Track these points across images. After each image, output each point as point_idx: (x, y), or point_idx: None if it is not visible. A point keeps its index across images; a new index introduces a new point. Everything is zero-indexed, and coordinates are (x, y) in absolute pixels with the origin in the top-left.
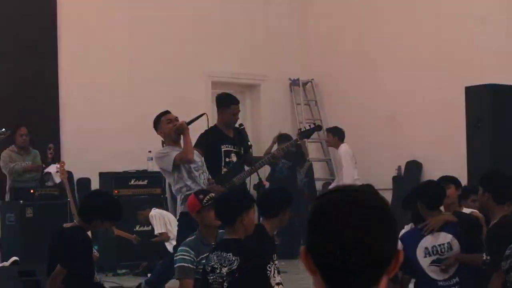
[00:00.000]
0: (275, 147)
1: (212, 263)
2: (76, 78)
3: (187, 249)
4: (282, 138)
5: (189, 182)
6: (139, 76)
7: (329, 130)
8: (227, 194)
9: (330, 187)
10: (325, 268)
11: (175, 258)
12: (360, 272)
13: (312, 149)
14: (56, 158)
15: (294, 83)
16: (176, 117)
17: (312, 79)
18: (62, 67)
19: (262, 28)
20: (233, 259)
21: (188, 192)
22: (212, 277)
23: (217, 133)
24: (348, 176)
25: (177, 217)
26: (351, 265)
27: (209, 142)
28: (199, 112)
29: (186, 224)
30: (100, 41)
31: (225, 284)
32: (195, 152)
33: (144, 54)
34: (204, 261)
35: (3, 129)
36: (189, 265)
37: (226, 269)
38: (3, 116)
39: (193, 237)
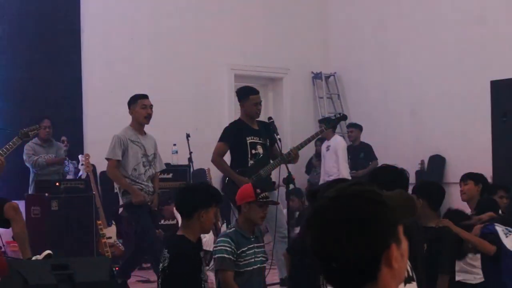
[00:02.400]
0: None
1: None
2: (99, 72)
3: (229, 240)
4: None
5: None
6: (162, 69)
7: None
8: (193, 185)
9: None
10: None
11: (214, 249)
12: (336, 279)
13: None
14: (80, 151)
15: (316, 76)
16: (151, 105)
17: (335, 72)
18: (85, 60)
19: (284, 22)
20: (166, 255)
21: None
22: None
23: (241, 126)
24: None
25: (119, 210)
26: (327, 273)
27: (234, 135)
28: (222, 105)
29: (132, 215)
30: (123, 35)
31: (159, 280)
32: (149, 144)
33: (167, 47)
34: (243, 254)
35: (36, 125)
36: (230, 256)
37: (161, 265)
38: (27, 110)
39: (232, 229)
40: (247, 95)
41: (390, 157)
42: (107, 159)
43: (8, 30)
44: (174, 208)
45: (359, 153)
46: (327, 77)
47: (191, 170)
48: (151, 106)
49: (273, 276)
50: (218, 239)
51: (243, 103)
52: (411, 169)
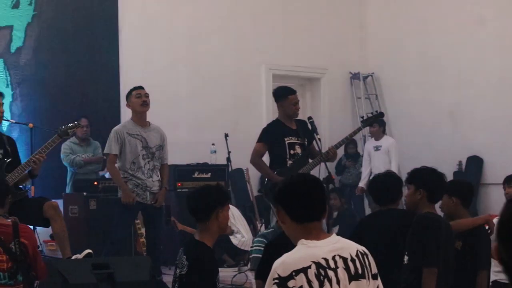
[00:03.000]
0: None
1: (177, 260)
2: (137, 71)
3: (264, 240)
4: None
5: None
6: (200, 69)
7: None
8: (202, 187)
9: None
10: None
11: (251, 249)
12: None
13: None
14: None
15: (354, 76)
16: (146, 94)
17: (373, 72)
18: (122, 59)
19: (323, 22)
20: (185, 263)
21: (123, 179)
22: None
23: (279, 126)
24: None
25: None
26: None
27: (273, 136)
28: (260, 105)
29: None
30: (161, 34)
31: (176, 286)
32: (153, 136)
33: (205, 48)
34: None
35: (75, 122)
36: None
37: (179, 270)
38: (65, 109)
39: (270, 229)
40: (285, 95)
41: (428, 157)
42: (104, 154)
43: (46, 29)
44: None
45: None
46: (365, 77)
47: (229, 169)
48: (146, 94)
49: None
50: (255, 239)
51: (282, 103)
52: (449, 169)
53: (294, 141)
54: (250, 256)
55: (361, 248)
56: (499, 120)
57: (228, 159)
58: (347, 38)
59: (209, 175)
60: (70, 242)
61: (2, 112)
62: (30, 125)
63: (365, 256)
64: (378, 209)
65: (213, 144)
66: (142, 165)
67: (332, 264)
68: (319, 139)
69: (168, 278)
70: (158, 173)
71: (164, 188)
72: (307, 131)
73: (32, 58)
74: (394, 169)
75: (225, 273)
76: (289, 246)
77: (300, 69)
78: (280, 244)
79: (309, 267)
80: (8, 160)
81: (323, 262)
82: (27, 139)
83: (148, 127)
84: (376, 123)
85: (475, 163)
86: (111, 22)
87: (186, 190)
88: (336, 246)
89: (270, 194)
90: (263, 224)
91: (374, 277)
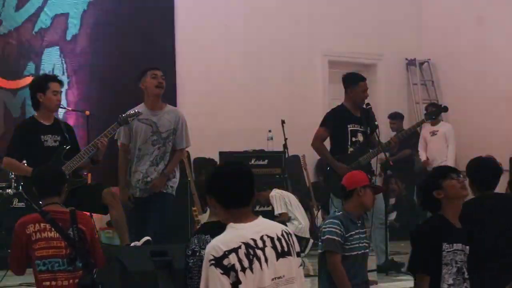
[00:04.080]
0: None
1: (193, 246)
2: (192, 60)
3: (338, 222)
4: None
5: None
6: (255, 56)
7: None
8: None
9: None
10: None
11: (323, 230)
12: None
13: None
14: None
15: (410, 63)
16: (163, 76)
17: (429, 59)
18: (178, 48)
19: (378, 7)
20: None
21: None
22: (192, 261)
23: (344, 113)
24: None
25: None
26: None
27: (336, 122)
28: (316, 92)
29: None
30: (216, 22)
31: None
32: (166, 119)
33: (260, 34)
34: (351, 238)
35: (136, 111)
36: (339, 239)
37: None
38: (121, 96)
39: (340, 213)
40: (356, 81)
41: (484, 144)
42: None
43: (102, 16)
44: (270, 194)
45: None
46: (421, 64)
47: (286, 156)
48: (162, 76)
49: (370, 262)
50: (327, 221)
51: (351, 89)
52: (505, 154)
53: (357, 128)
54: (323, 237)
55: (285, 228)
56: None
57: (285, 146)
58: (403, 24)
59: (266, 161)
60: (129, 229)
61: (60, 101)
62: (87, 112)
63: (289, 235)
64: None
65: (269, 130)
66: (150, 152)
67: (260, 244)
68: (377, 125)
69: None
70: (168, 159)
71: (163, 174)
72: (370, 119)
73: (88, 45)
74: (451, 154)
75: None
76: None
77: (356, 55)
78: None
79: (239, 247)
80: (67, 148)
81: (252, 243)
82: (83, 126)
83: (161, 110)
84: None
85: None
86: (167, 8)
87: None
88: (262, 227)
89: (329, 180)
90: (320, 210)
91: (298, 255)
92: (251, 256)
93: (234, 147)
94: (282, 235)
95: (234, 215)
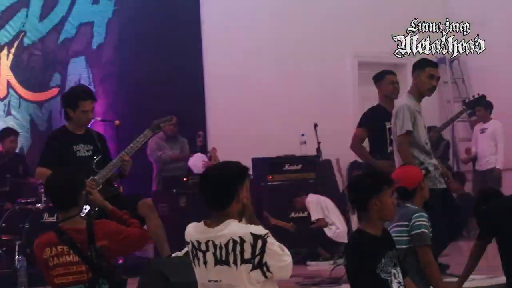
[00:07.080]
0: None
1: None
2: (221, 65)
3: (426, 216)
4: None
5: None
6: (285, 59)
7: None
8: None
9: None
10: None
11: (416, 223)
12: None
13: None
14: (203, 147)
15: (440, 61)
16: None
17: (459, 56)
18: (206, 51)
19: (408, 7)
20: None
21: None
22: None
23: (380, 112)
24: None
25: None
26: None
27: (373, 121)
28: (347, 93)
29: None
30: (244, 25)
31: None
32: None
33: (289, 36)
34: None
35: (168, 117)
36: (429, 232)
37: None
38: (149, 105)
39: (416, 207)
40: (381, 75)
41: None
42: None
43: (127, 24)
44: (306, 200)
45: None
46: (451, 61)
47: (320, 160)
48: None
49: None
50: (417, 214)
51: (379, 85)
52: None
53: None
54: (417, 231)
55: (237, 237)
56: None
57: (318, 150)
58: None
59: (299, 166)
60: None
61: (90, 119)
62: (117, 122)
63: (237, 244)
64: None
65: (302, 134)
66: None
67: (203, 247)
68: None
69: None
70: None
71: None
72: None
73: (114, 54)
74: (500, 152)
75: (321, 267)
76: None
77: (385, 55)
78: None
79: (188, 242)
80: (99, 157)
81: (196, 244)
82: (112, 136)
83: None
84: (480, 106)
85: None
86: (193, 14)
87: (278, 183)
88: (214, 234)
89: None
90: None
91: (247, 261)
92: (193, 254)
93: (267, 153)
94: (227, 244)
95: (211, 216)
